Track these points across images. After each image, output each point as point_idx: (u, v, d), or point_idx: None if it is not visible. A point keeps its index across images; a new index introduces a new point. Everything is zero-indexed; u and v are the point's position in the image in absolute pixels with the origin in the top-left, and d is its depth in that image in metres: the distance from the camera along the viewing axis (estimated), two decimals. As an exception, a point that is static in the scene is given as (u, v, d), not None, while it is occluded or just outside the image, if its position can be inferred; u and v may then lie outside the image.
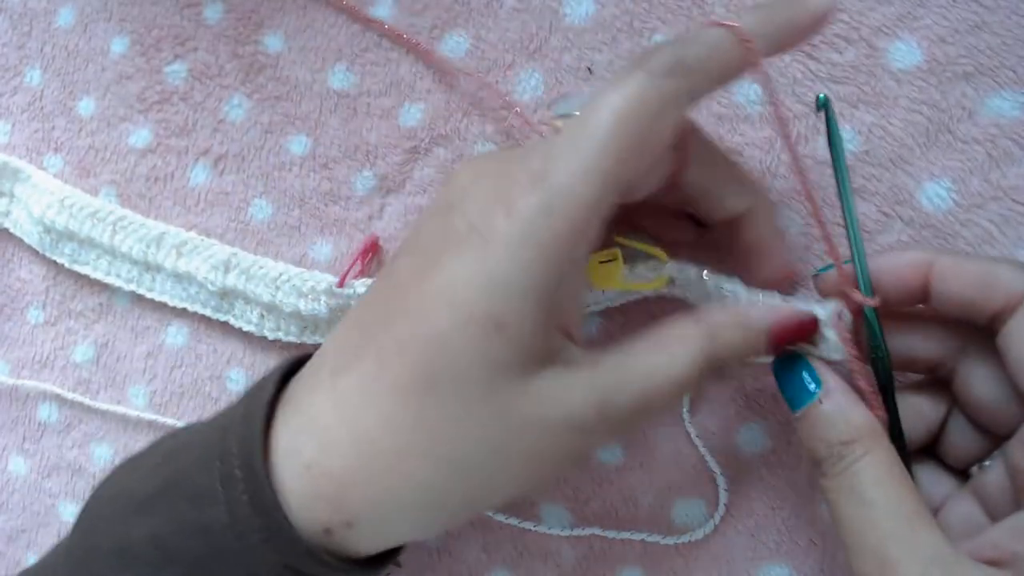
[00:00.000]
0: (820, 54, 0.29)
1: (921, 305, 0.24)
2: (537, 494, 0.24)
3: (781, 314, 0.24)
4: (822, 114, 0.26)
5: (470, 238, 0.21)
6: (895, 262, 0.24)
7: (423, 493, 0.22)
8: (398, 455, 0.22)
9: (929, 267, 0.23)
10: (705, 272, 0.27)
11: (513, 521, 0.32)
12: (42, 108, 0.40)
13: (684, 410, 0.30)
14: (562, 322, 0.22)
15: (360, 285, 0.32)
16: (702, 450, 0.30)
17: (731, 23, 0.22)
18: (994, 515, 0.22)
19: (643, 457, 0.31)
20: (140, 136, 0.38)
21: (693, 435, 0.30)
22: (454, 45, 0.34)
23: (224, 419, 0.25)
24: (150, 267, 0.37)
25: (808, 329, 0.24)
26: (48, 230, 0.38)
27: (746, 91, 0.30)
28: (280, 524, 0.22)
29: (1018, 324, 0.21)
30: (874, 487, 0.21)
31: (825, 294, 0.25)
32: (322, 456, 0.23)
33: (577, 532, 0.31)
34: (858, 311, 0.24)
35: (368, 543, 0.24)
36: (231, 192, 0.37)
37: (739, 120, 0.30)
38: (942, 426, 0.25)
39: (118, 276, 0.37)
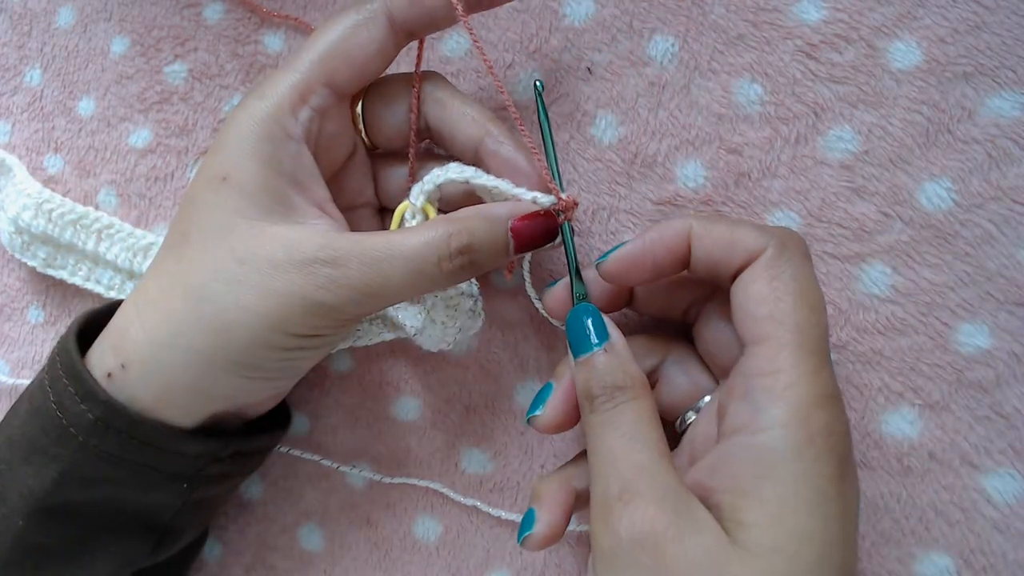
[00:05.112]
0: (820, 54, 0.29)
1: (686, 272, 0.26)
2: (279, 335, 0.26)
3: (521, 208, 0.27)
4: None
5: (218, 128, 0.29)
6: (664, 232, 0.26)
7: (174, 325, 0.27)
8: (161, 298, 0.27)
9: (689, 233, 0.25)
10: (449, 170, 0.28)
11: (514, 519, 0.32)
12: (42, 108, 0.40)
13: (527, 281, 0.31)
14: (306, 193, 0.28)
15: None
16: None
17: None
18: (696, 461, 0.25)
19: (643, 457, 0.31)
20: (140, 136, 0.38)
21: (533, 297, 0.31)
22: (454, 45, 0.34)
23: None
24: (134, 276, 0.36)
25: (549, 226, 0.27)
26: (20, 231, 0.37)
27: (746, 91, 0.30)
28: (85, 380, 0.27)
29: (745, 277, 0.24)
30: (635, 425, 0.24)
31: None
32: (115, 320, 0.29)
33: (579, 530, 0.32)
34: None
35: (143, 386, 0.27)
36: (231, 192, 0.36)
37: (739, 120, 0.30)
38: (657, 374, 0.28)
39: (98, 283, 0.36)
